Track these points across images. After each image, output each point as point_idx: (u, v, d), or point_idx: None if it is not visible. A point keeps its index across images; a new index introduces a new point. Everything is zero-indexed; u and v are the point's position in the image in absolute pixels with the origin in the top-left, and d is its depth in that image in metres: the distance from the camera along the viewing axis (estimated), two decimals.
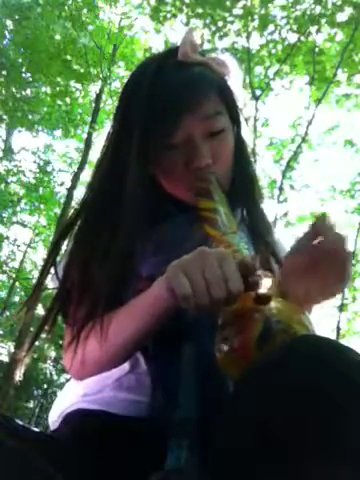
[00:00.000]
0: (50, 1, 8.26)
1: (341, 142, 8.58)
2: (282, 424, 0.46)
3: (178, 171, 0.79)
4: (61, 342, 0.80)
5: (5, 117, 9.33)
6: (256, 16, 6.28)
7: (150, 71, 0.80)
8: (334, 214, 8.70)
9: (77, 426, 0.77)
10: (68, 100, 9.38)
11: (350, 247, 0.67)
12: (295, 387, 0.47)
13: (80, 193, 0.94)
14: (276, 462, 0.45)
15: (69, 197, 8.09)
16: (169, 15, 6.39)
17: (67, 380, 0.99)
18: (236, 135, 0.85)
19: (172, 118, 0.76)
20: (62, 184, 10.20)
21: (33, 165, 10.24)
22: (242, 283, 0.59)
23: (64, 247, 0.86)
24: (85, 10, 8.45)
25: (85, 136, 9.32)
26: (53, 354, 10.85)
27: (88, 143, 8.74)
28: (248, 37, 6.52)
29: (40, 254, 11.61)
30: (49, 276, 0.85)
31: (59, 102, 9.33)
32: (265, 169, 8.09)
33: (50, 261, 0.83)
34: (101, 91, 9.16)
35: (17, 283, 11.20)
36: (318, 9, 6.15)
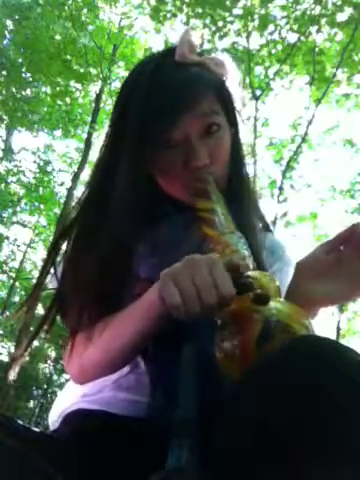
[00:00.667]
0: (50, 1, 8.25)
1: (341, 142, 8.58)
2: (282, 424, 0.46)
3: (175, 171, 0.79)
4: (61, 342, 0.80)
5: (5, 117, 9.33)
6: (256, 16, 6.28)
7: (148, 71, 0.80)
8: (334, 214, 8.70)
9: (77, 426, 0.77)
10: (68, 100, 9.38)
11: None
12: (295, 387, 0.47)
13: (80, 193, 0.94)
14: (276, 462, 0.45)
15: (69, 197, 8.09)
16: (169, 15, 6.39)
17: (67, 380, 0.99)
18: (233, 136, 0.85)
19: (169, 117, 0.76)
20: (62, 184, 10.21)
21: (33, 165, 10.25)
22: (233, 287, 0.59)
23: (64, 247, 0.86)
24: (85, 10, 8.45)
25: (85, 136, 9.32)
26: (53, 354, 10.86)
27: (88, 143, 8.74)
28: (248, 37, 6.53)
29: (40, 254, 11.61)
30: (49, 276, 0.85)
31: (59, 102, 9.33)
32: (265, 169, 8.09)
33: (49, 262, 0.83)
34: (101, 91, 9.16)
35: (17, 283, 11.20)
36: (318, 9, 6.15)
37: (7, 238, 10.48)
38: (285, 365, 0.49)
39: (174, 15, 6.35)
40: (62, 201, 9.24)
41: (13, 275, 11.04)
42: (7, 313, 11.10)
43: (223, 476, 0.49)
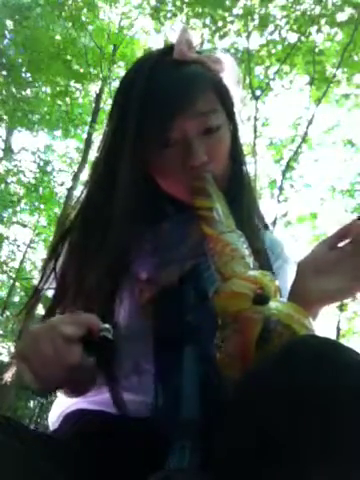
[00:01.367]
0: (50, 1, 8.24)
1: (341, 142, 8.57)
2: (283, 425, 0.46)
3: (174, 170, 0.79)
4: None
5: (5, 117, 9.32)
6: (256, 16, 6.27)
7: (146, 69, 0.80)
8: (334, 214, 8.70)
9: (77, 426, 0.77)
10: (68, 100, 9.37)
11: None
12: (295, 387, 0.47)
13: (80, 193, 0.94)
14: (276, 463, 0.45)
15: (69, 197, 8.09)
16: (169, 15, 6.39)
17: None
18: (232, 133, 0.84)
19: (168, 117, 0.76)
20: (62, 184, 10.19)
21: (33, 165, 10.24)
22: (77, 353, 0.61)
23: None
24: (85, 10, 8.44)
25: (85, 136, 9.31)
26: None
27: (88, 143, 8.73)
28: (248, 37, 6.52)
29: (40, 254, 11.61)
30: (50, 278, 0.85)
31: (59, 102, 9.32)
32: (265, 169, 8.09)
33: (50, 266, 0.83)
34: (101, 91, 9.15)
35: (17, 283, 11.19)
36: (318, 9, 6.15)
37: (7, 238, 10.47)
38: (285, 365, 0.49)
39: (174, 15, 6.36)
40: (62, 201, 9.23)
41: (13, 275, 11.02)
42: (7, 313, 11.09)
43: (224, 477, 0.49)
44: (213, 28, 6.22)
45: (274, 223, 6.52)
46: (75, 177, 8.53)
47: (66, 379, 0.62)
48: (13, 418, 0.66)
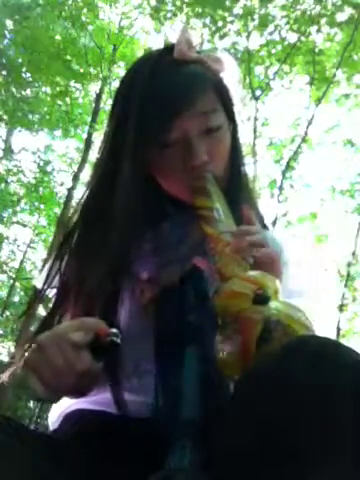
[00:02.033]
0: (50, 1, 8.24)
1: (341, 142, 8.57)
2: (282, 424, 0.46)
3: (175, 169, 0.79)
4: None
5: (5, 117, 9.32)
6: (256, 16, 6.28)
7: (146, 69, 0.80)
8: (334, 214, 8.69)
9: (77, 426, 0.77)
10: (68, 100, 9.37)
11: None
12: (295, 387, 0.47)
13: (80, 193, 0.94)
14: (276, 462, 0.45)
15: (69, 197, 8.09)
16: (169, 15, 6.39)
17: None
18: (232, 133, 0.84)
19: (168, 116, 0.75)
20: (62, 184, 10.19)
21: (33, 165, 10.23)
22: (87, 357, 0.61)
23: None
24: (85, 10, 8.43)
25: (85, 136, 9.31)
26: None
27: (88, 143, 8.73)
28: (248, 37, 6.53)
29: (40, 254, 11.60)
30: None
31: (59, 102, 9.31)
32: (265, 169, 8.08)
33: (55, 267, 0.83)
34: (101, 91, 9.14)
35: (17, 283, 11.19)
36: (318, 9, 6.15)
37: (7, 238, 10.47)
38: (285, 365, 0.49)
39: (174, 15, 6.36)
40: (62, 201, 9.23)
41: (13, 275, 11.02)
42: (7, 313, 11.08)
43: (224, 476, 0.49)
44: (213, 28, 6.22)
45: (274, 223, 6.52)
46: (75, 177, 8.52)
47: (76, 385, 0.62)
48: (13, 418, 0.66)
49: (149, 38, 9.00)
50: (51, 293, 0.83)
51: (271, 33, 6.46)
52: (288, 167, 7.36)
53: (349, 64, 6.59)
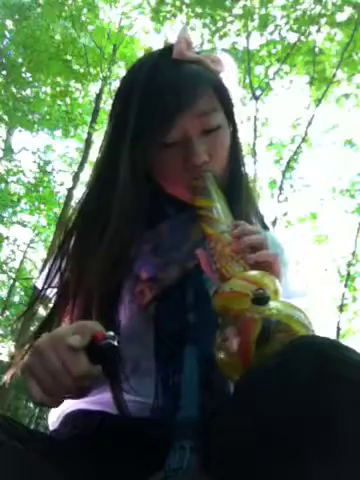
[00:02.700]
0: (50, 1, 8.24)
1: (341, 142, 8.57)
2: (283, 424, 0.46)
3: (175, 169, 0.79)
4: None
5: (5, 117, 9.32)
6: (256, 16, 6.28)
7: (146, 69, 0.80)
8: (334, 214, 8.70)
9: (77, 426, 0.77)
10: (68, 100, 9.37)
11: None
12: (295, 387, 0.47)
13: (80, 193, 0.94)
14: (277, 462, 0.45)
15: (69, 197, 8.09)
16: (169, 15, 6.39)
17: None
18: (231, 133, 0.84)
19: (167, 116, 0.76)
20: (62, 184, 10.18)
21: (33, 165, 10.23)
22: (83, 363, 0.61)
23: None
24: (85, 10, 8.44)
25: (85, 136, 9.30)
26: None
27: (88, 143, 8.73)
28: (248, 37, 6.52)
29: (40, 254, 11.60)
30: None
31: (59, 102, 9.31)
32: (265, 169, 8.08)
33: (55, 267, 0.83)
34: (101, 91, 9.14)
35: (17, 283, 11.19)
36: (318, 9, 6.15)
37: (7, 238, 10.46)
38: (285, 365, 0.49)
39: (174, 15, 6.35)
40: (62, 201, 9.23)
41: (13, 275, 11.02)
42: (7, 313, 11.08)
43: (224, 476, 0.49)
44: (213, 28, 6.22)
45: (274, 223, 6.52)
46: (75, 177, 8.52)
47: (74, 388, 0.62)
48: (13, 418, 0.66)
49: (149, 38, 9.00)
50: (51, 293, 0.83)
51: (271, 33, 6.46)
52: (288, 167, 7.36)
53: (349, 64, 6.59)
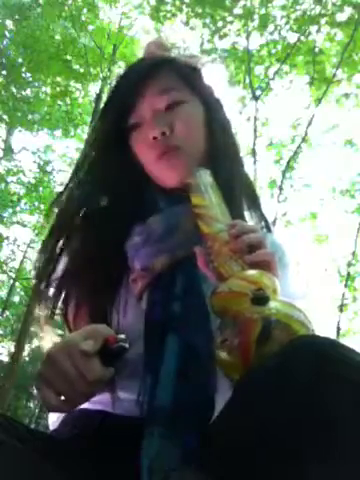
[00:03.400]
0: (50, 1, 8.24)
1: (341, 142, 8.57)
2: (282, 424, 0.46)
3: (146, 147, 0.84)
4: None
5: (5, 117, 9.32)
6: (256, 16, 6.28)
7: (123, 70, 0.93)
8: (334, 214, 8.69)
9: (77, 426, 0.76)
10: (68, 100, 9.37)
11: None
12: (295, 387, 0.47)
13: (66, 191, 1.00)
14: (276, 462, 0.45)
15: None
16: (169, 15, 6.39)
17: None
18: (207, 115, 0.89)
19: (133, 96, 0.84)
20: (62, 184, 10.17)
21: (33, 165, 10.23)
22: (98, 366, 0.62)
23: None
24: (85, 10, 8.44)
25: (85, 136, 9.30)
26: None
27: None
28: (248, 37, 6.53)
29: None
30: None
31: (59, 102, 9.31)
32: (265, 169, 8.08)
33: (51, 266, 0.84)
34: (101, 91, 9.13)
35: (17, 283, 11.19)
36: (318, 9, 6.15)
37: (7, 238, 10.46)
38: (285, 365, 0.49)
39: (174, 15, 6.35)
40: None
41: (13, 275, 11.02)
42: (7, 313, 11.09)
43: (224, 476, 0.49)
44: (213, 28, 6.22)
45: (274, 223, 6.52)
46: None
47: (89, 393, 0.63)
48: (13, 418, 0.66)
49: (149, 38, 8.99)
50: (51, 292, 0.84)
51: (271, 33, 6.46)
52: (288, 167, 7.36)
53: (349, 64, 6.59)
